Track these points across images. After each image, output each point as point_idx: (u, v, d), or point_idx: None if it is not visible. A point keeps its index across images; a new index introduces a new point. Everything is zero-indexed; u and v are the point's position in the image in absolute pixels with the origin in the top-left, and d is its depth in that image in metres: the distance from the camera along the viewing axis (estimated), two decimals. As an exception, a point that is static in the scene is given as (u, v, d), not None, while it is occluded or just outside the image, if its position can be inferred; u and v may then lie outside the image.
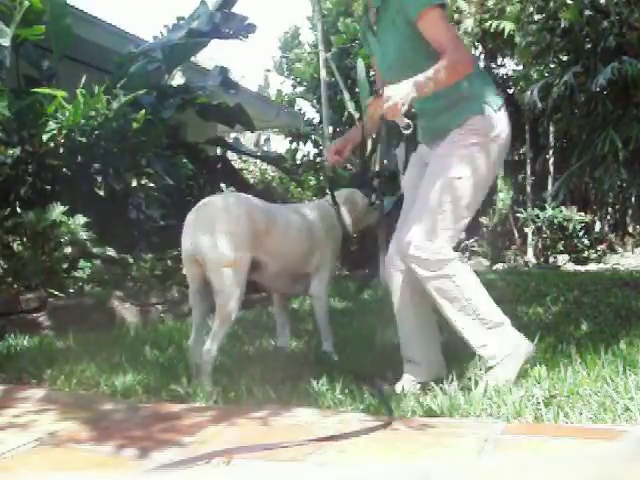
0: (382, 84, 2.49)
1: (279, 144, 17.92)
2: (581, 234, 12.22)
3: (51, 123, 4.44)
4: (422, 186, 2.28)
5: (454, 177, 2.22)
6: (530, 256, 12.58)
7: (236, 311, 2.43)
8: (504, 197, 13.25)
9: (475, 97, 2.27)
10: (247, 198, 2.63)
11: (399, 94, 2.08)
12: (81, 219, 4.08)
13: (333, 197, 2.91)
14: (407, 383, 2.30)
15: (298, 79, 15.12)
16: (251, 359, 2.85)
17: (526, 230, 12.93)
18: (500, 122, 2.28)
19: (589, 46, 7.30)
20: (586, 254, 12.23)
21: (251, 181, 9.15)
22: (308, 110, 15.33)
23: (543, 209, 12.48)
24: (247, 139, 17.37)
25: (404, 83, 2.12)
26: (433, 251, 2.18)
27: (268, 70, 16.17)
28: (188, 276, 2.55)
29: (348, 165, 15.14)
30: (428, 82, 2.11)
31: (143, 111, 4.66)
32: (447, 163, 2.24)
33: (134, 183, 4.83)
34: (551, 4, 7.48)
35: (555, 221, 12.11)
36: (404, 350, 2.40)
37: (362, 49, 13.76)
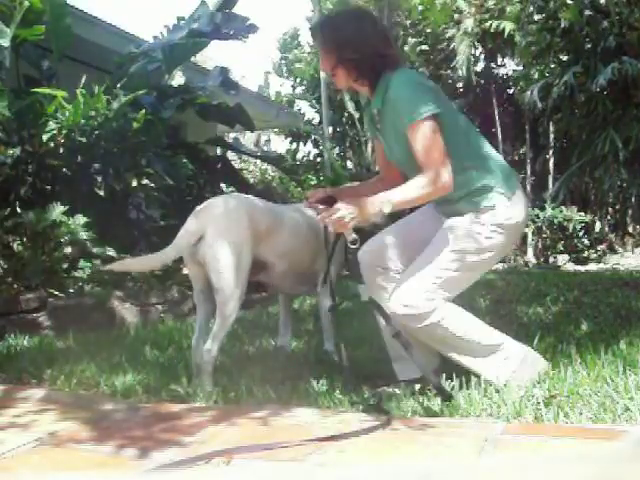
0: (384, 164, 2.52)
1: (279, 144, 17.93)
2: (581, 234, 12.23)
3: (51, 123, 4.44)
4: (427, 249, 2.26)
5: (459, 250, 2.19)
6: (530, 256, 12.60)
7: (236, 311, 2.43)
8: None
9: (489, 188, 2.23)
10: (247, 199, 2.63)
11: (349, 211, 2.09)
12: (81, 219, 4.08)
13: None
14: (403, 381, 2.32)
15: (298, 79, 15.14)
16: (251, 359, 2.85)
17: (526, 230, 12.94)
18: (516, 209, 2.25)
19: (589, 46, 7.31)
20: (586, 254, 12.24)
21: (251, 181, 9.16)
22: (308, 110, 15.36)
23: (543, 209, 12.49)
24: (247, 139, 17.36)
25: (362, 201, 2.12)
26: (420, 309, 2.15)
27: (268, 72, 16.20)
28: (191, 277, 2.56)
29: (348, 164, 15.17)
30: (386, 204, 2.10)
31: (143, 111, 4.66)
32: (458, 235, 2.22)
33: (134, 183, 4.83)
34: (551, 4, 7.49)
35: (555, 221, 12.11)
36: (392, 350, 2.41)
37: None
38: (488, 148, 2.35)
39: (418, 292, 2.17)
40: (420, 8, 13.39)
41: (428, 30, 13.78)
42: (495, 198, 2.22)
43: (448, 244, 2.21)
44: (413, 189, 2.14)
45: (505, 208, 2.22)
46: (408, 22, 14.08)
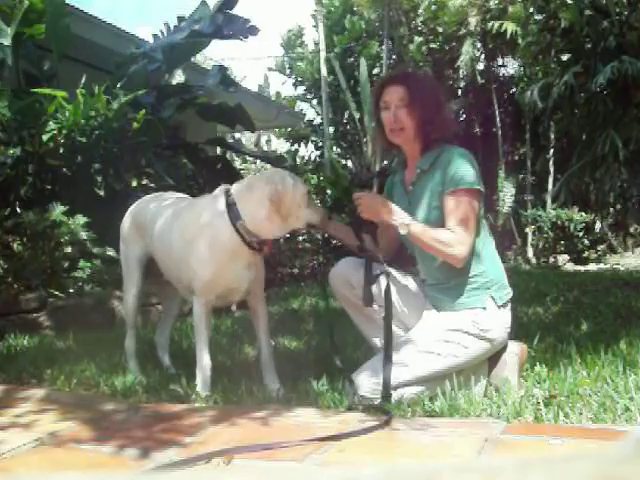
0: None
1: (279, 144, 17.94)
2: (581, 234, 12.22)
3: (51, 123, 4.44)
4: (403, 339, 2.23)
5: (432, 351, 2.15)
6: (530, 256, 12.59)
7: (130, 304, 2.65)
8: (505, 197, 13.26)
9: (483, 289, 2.21)
10: (145, 199, 2.84)
11: (378, 201, 2.14)
12: (81, 219, 4.08)
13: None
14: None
15: (299, 79, 15.12)
16: (251, 359, 2.85)
17: (527, 230, 12.94)
18: (499, 322, 2.21)
19: (589, 46, 7.31)
20: (586, 254, 12.23)
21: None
22: (308, 110, 15.35)
23: (544, 209, 12.49)
24: (247, 139, 17.35)
25: (390, 204, 2.14)
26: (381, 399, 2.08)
27: (270, 68, 16.12)
28: None
29: (349, 164, 15.19)
30: (404, 226, 2.10)
31: (143, 111, 4.66)
32: (434, 331, 2.20)
33: (134, 183, 4.83)
34: (551, 4, 7.49)
35: (557, 221, 12.12)
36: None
37: (365, 48, 13.78)
38: (494, 249, 2.34)
39: (378, 385, 2.09)
40: (434, 7, 13.35)
41: (440, 30, 13.74)
42: (484, 301, 2.20)
43: (425, 342, 2.17)
44: (435, 237, 2.10)
45: (490, 315, 2.19)
46: (419, 21, 14.05)
